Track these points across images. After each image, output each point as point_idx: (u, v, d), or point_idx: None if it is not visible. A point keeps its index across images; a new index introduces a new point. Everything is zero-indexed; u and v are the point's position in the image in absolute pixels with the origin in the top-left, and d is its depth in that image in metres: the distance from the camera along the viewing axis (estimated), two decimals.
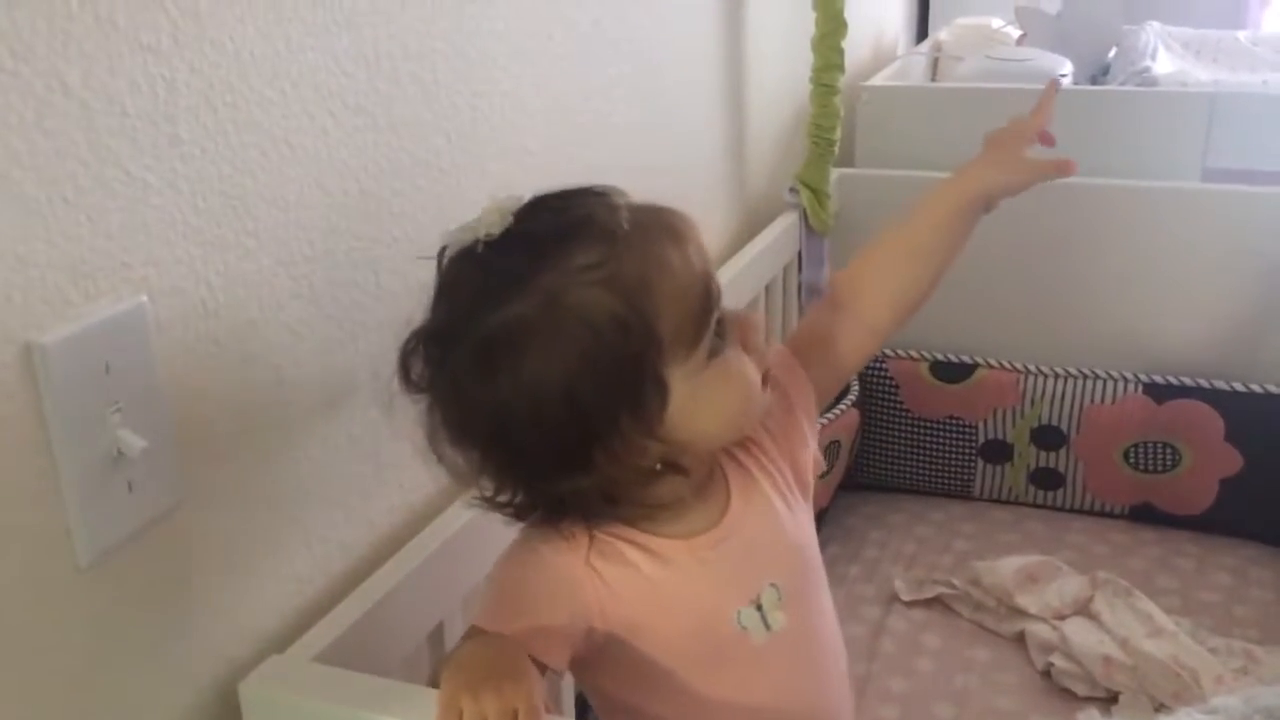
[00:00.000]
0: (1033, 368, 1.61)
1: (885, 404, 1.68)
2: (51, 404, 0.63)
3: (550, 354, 0.67)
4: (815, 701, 0.83)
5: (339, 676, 0.76)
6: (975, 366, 1.64)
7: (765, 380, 0.76)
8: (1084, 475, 1.61)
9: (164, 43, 0.67)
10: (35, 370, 0.62)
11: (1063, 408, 1.60)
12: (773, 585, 0.78)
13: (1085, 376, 1.59)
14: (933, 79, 2.44)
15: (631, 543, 0.75)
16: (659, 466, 0.73)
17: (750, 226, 1.63)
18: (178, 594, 0.73)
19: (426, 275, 0.73)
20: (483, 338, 0.68)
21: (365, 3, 0.83)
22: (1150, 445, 1.56)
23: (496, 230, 0.69)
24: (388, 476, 0.92)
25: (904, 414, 1.67)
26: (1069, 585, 1.39)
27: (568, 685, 1.04)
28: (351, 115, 0.83)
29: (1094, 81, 2.26)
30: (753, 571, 0.78)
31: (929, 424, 1.66)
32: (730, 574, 0.77)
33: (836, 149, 1.63)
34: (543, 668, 0.70)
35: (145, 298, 0.68)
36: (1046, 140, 0.92)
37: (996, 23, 2.54)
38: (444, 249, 0.72)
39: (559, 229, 0.69)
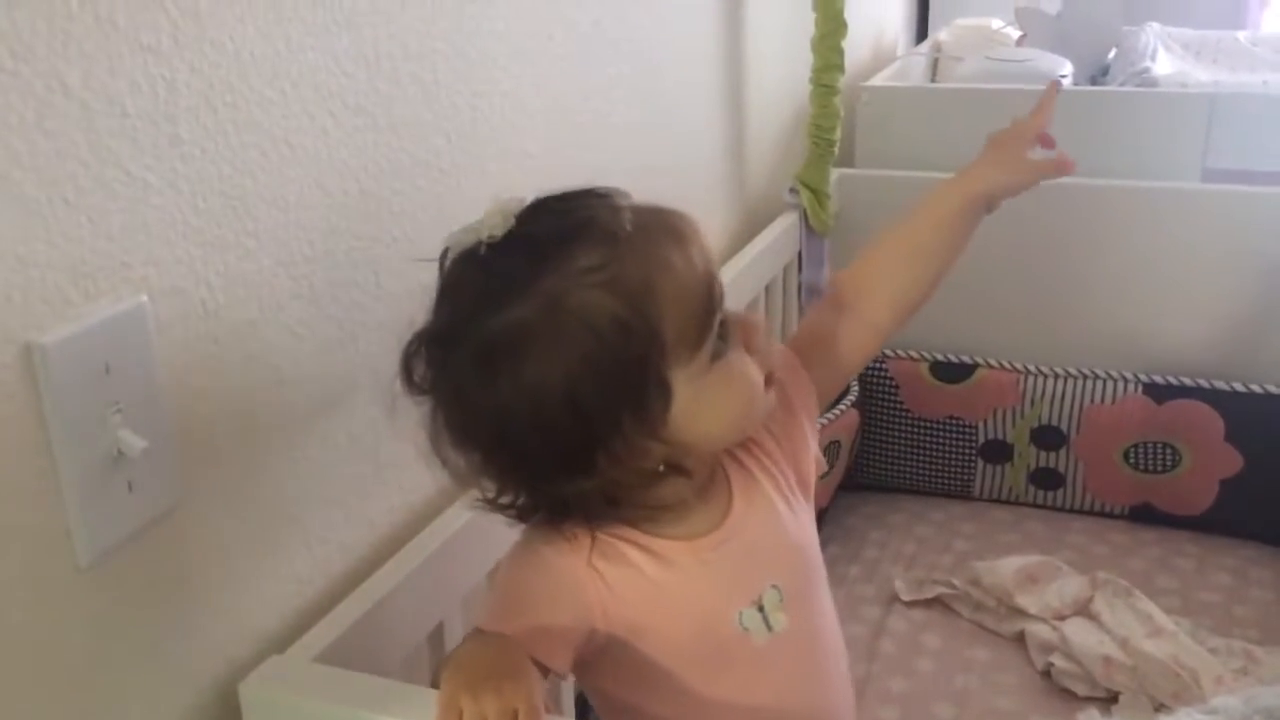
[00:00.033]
0: (1033, 368, 1.61)
1: (885, 404, 1.68)
2: (51, 404, 0.63)
3: (552, 357, 0.67)
4: (817, 702, 0.83)
5: (339, 677, 0.76)
6: (975, 366, 1.64)
7: (768, 382, 0.76)
8: (1084, 475, 1.61)
9: (164, 43, 0.67)
10: (35, 370, 0.62)
11: (1063, 408, 1.60)
12: (774, 586, 0.78)
13: (1085, 377, 1.59)
14: (933, 79, 2.44)
15: (634, 544, 0.75)
16: (662, 468, 0.73)
17: (750, 227, 1.63)
18: (178, 594, 0.73)
19: (427, 276, 0.73)
20: (484, 340, 0.68)
21: (365, 3, 0.83)
22: (1150, 445, 1.56)
23: (499, 232, 0.69)
24: (387, 477, 0.92)
25: (904, 414, 1.67)
26: (1069, 585, 1.39)
27: (567, 685, 1.04)
28: (351, 115, 0.83)
29: (1094, 82, 2.26)
30: (754, 572, 0.78)
31: (929, 424, 1.66)
32: (732, 575, 0.77)
33: (836, 149, 1.64)
34: (545, 670, 0.70)
35: (145, 298, 0.68)
36: (1047, 143, 0.93)
37: (996, 23, 2.54)
38: (446, 250, 0.72)
39: (561, 231, 0.69)
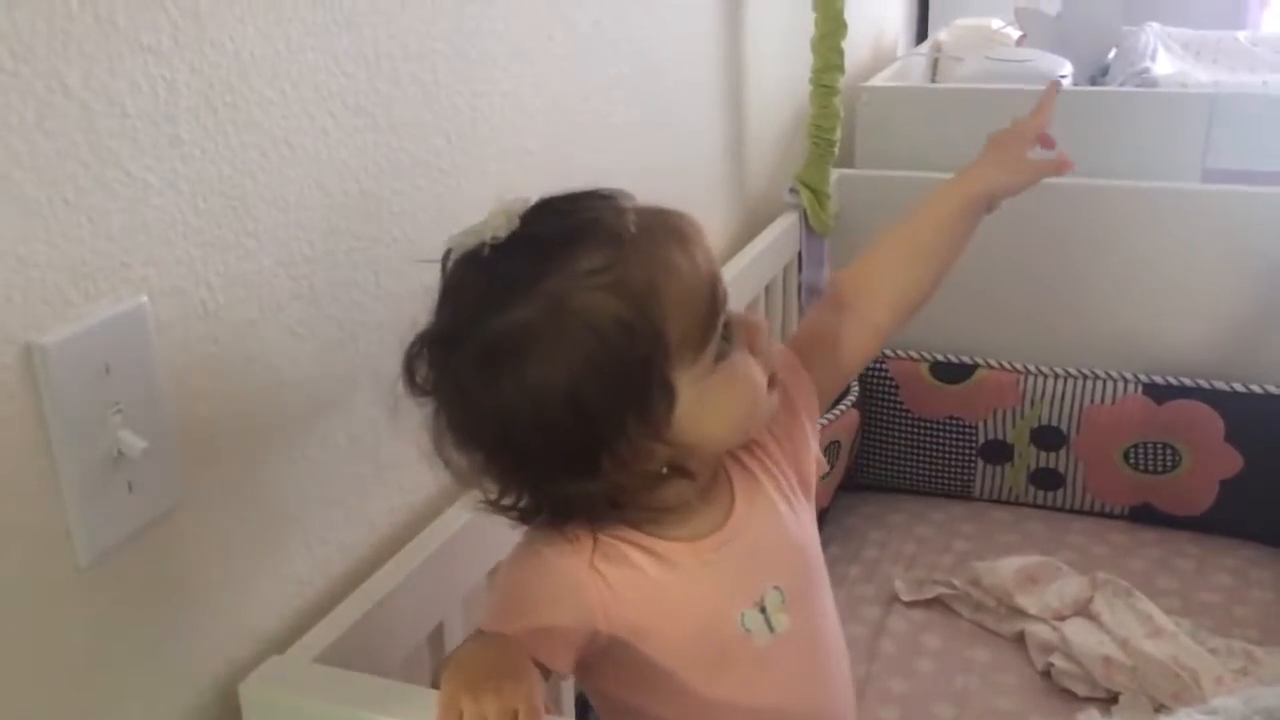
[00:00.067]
0: (1033, 368, 1.61)
1: (885, 404, 1.68)
2: (51, 404, 0.63)
3: (556, 358, 0.67)
4: (818, 703, 0.83)
5: (339, 677, 0.76)
6: (975, 367, 1.64)
7: (771, 383, 0.76)
8: (1084, 476, 1.61)
9: (164, 43, 0.67)
10: (35, 371, 0.62)
11: (1063, 408, 1.60)
12: (776, 587, 0.78)
13: (1085, 377, 1.59)
14: (933, 80, 2.44)
15: (636, 545, 0.75)
16: (665, 470, 0.73)
17: (750, 227, 1.63)
18: (178, 594, 0.74)
19: (427, 276, 0.73)
20: (488, 342, 0.68)
21: (365, 3, 0.83)
22: (1150, 446, 1.56)
23: (502, 233, 0.69)
24: (387, 477, 0.92)
25: (904, 414, 1.67)
26: (1069, 586, 1.39)
27: (567, 685, 1.04)
28: (351, 116, 0.83)
29: (1094, 82, 2.26)
30: (756, 574, 0.78)
31: (929, 424, 1.66)
32: (734, 576, 0.77)
33: (836, 150, 1.64)
34: (546, 671, 0.70)
35: (145, 298, 0.68)
36: (1046, 144, 0.93)
37: (996, 23, 2.54)
38: (448, 251, 0.72)
39: (565, 232, 0.69)
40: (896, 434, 1.68)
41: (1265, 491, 1.52)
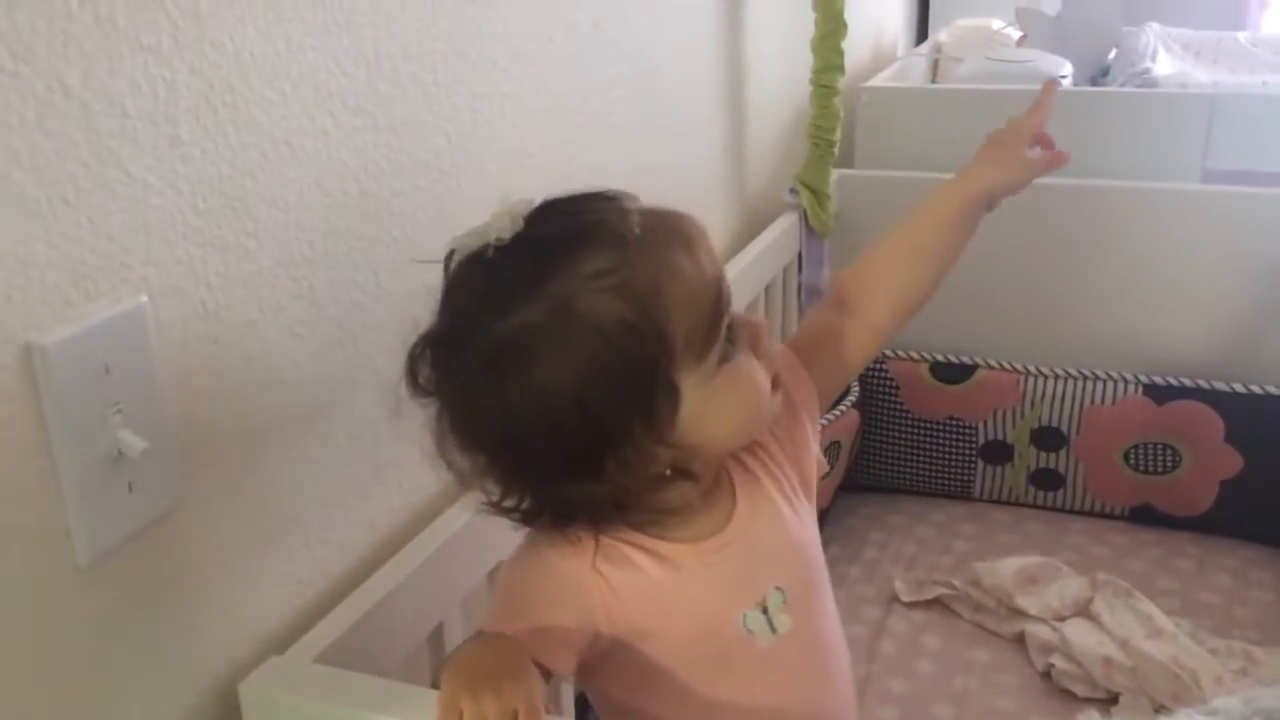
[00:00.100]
0: (1033, 368, 1.61)
1: (885, 405, 1.68)
2: (51, 405, 0.63)
3: (560, 361, 0.67)
4: (820, 703, 0.83)
5: (339, 677, 0.76)
6: (975, 367, 1.64)
7: (774, 385, 0.76)
8: (1084, 476, 1.61)
9: (164, 43, 0.67)
10: (35, 371, 0.62)
11: (1063, 409, 1.60)
12: (778, 588, 0.78)
13: (1085, 377, 1.59)
14: (933, 80, 2.44)
15: (638, 547, 0.75)
16: (668, 472, 0.73)
17: (750, 227, 1.63)
18: (178, 594, 0.74)
19: (428, 277, 0.73)
20: (492, 344, 0.67)
21: (365, 3, 0.83)
22: (1150, 446, 1.56)
23: (506, 235, 0.69)
24: (387, 477, 0.92)
25: (904, 415, 1.67)
26: (1069, 586, 1.39)
27: (567, 685, 1.04)
28: (351, 116, 0.83)
29: (1094, 83, 2.26)
30: (758, 575, 0.78)
31: (929, 425, 1.66)
32: (736, 577, 0.77)
33: (836, 150, 1.64)
34: (548, 673, 0.70)
35: (145, 298, 0.68)
36: (1044, 143, 0.93)
37: (996, 24, 2.54)
38: (451, 252, 0.72)
39: (569, 234, 0.69)
40: (896, 434, 1.68)
41: (1265, 492, 1.52)
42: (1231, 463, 1.53)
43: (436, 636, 0.91)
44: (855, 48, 1.92)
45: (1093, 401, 1.58)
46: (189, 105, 0.70)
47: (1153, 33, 2.28)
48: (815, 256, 1.67)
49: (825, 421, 1.49)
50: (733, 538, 0.77)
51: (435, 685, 0.66)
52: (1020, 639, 1.36)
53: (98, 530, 0.66)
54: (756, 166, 1.68)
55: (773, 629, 0.77)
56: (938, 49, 2.50)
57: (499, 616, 0.74)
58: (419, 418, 0.71)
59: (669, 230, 0.71)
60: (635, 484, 0.71)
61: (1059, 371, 1.60)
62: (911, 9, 2.83)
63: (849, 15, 1.57)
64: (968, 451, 1.66)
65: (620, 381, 0.68)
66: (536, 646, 0.69)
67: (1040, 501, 1.65)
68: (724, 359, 0.72)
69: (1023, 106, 0.95)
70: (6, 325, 0.61)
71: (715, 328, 0.71)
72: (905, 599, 1.44)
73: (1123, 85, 2.13)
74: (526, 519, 0.75)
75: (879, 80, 2.05)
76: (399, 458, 0.92)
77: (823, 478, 0.88)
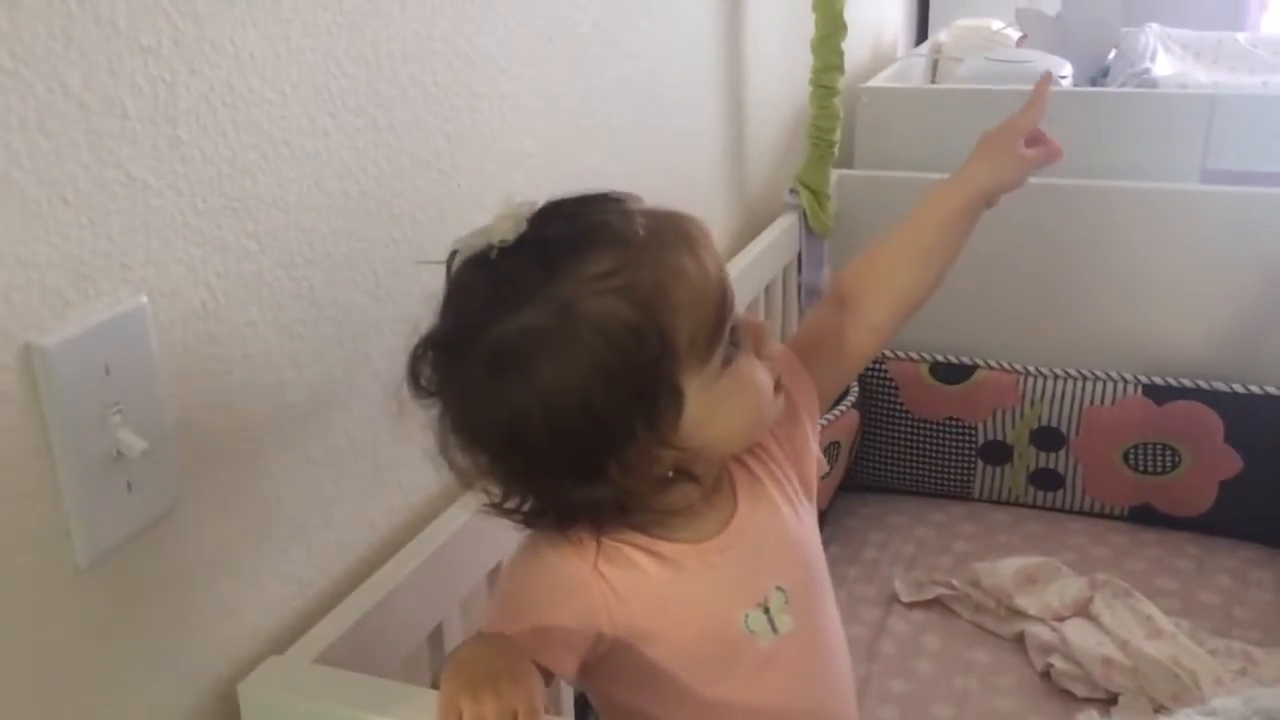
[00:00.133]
0: (1032, 369, 1.61)
1: (885, 405, 1.68)
2: (51, 405, 0.63)
3: (564, 363, 0.67)
4: (821, 703, 0.83)
5: (339, 677, 0.76)
6: (975, 368, 1.64)
7: (777, 387, 0.76)
8: (1084, 476, 1.61)
9: (164, 44, 0.67)
10: (35, 371, 0.62)
11: (1062, 409, 1.60)
12: (779, 588, 0.78)
13: (1085, 378, 1.59)
14: (932, 80, 2.44)
15: (639, 548, 0.74)
16: (671, 474, 0.72)
17: (750, 228, 1.63)
18: (178, 594, 0.74)
19: (428, 277, 0.73)
20: (496, 346, 0.67)
21: (365, 4, 0.83)
22: (1150, 447, 1.56)
23: (510, 236, 0.68)
24: (387, 477, 0.92)
25: (904, 415, 1.67)
26: (1069, 587, 1.39)
27: (567, 686, 1.04)
28: (351, 117, 0.83)
29: (1094, 83, 2.26)
30: (760, 575, 0.78)
31: (929, 425, 1.66)
32: (738, 578, 0.77)
33: (836, 150, 1.64)
34: (549, 674, 0.70)
35: (145, 299, 0.68)
36: (1040, 140, 0.93)
37: (996, 24, 2.54)
38: (453, 254, 0.71)
39: (573, 236, 0.69)
40: (896, 435, 1.68)
41: (1265, 492, 1.52)
42: (1231, 463, 1.53)
43: (436, 636, 0.91)
44: (855, 48, 1.92)
45: (1092, 402, 1.58)
46: (189, 106, 0.70)
47: (1152, 33, 2.28)
48: (815, 257, 1.67)
49: (825, 421, 1.49)
50: (734, 538, 0.77)
51: (436, 686, 0.66)
52: (1020, 639, 1.36)
53: (97, 530, 0.66)
54: (756, 167, 1.68)
55: (774, 629, 0.77)
56: (937, 49, 2.50)
57: (499, 617, 0.74)
58: (420, 418, 0.71)
59: (673, 232, 0.71)
60: (638, 486, 0.71)
61: (1059, 372, 1.60)
62: (911, 9, 2.83)
63: (849, 16, 1.58)
64: (967, 452, 1.66)
65: (624, 384, 0.67)
66: (537, 647, 0.69)
67: (1040, 502, 1.65)
68: (727, 361, 0.72)
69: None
70: (6, 325, 0.61)
71: (719, 330, 0.71)
72: (905, 599, 1.44)
73: (1122, 86, 2.13)
74: (528, 520, 0.75)
75: (879, 80, 2.05)
76: (399, 458, 0.92)
77: (823, 477, 0.88)
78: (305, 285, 0.81)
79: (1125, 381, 1.57)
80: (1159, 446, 1.56)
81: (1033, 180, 0.92)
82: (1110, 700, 1.26)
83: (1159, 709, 1.22)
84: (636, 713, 0.79)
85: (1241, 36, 2.40)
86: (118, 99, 0.65)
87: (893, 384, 1.67)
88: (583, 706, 1.06)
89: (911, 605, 1.44)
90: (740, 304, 1.40)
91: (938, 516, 1.64)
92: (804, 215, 1.63)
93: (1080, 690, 1.28)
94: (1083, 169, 1.61)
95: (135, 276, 0.68)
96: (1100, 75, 2.28)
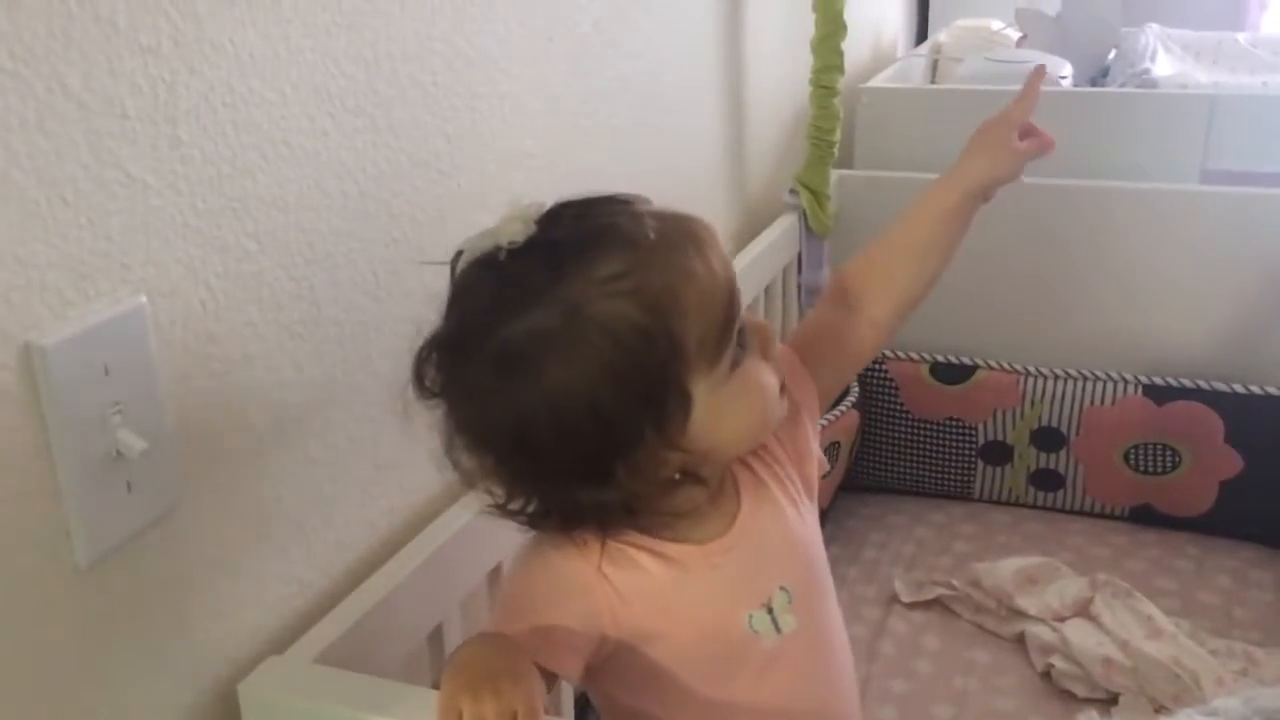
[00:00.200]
0: (1033, 369, 1.61)
1: (885, 405, 1.68)
2: (51, 405, 0.63)
3: (572, 366, 0.67)
4: (824, 703, 0.83)
5: (339, 677, 0.76)
6: (975, 368, 1.64)
7: (782, 388, 0.76)
8: (1084, 477, 1.61)
9: (164, 44, 0.67)
10: (35, 371, 0.62)
11: (1063, 409, 1.60)
12: (783, 588, 0.78)
13: (1085, 378, 1.59)
14: (932, 81, 2.44)
15: (643, 549, 0.74)
16: (678, 476, 0.72)
17: (750, 228, 1.63)
18: (177, 594, 0.74)
19: (428, 277, 0.73)
20: (503, 348, 0.67)
21: (365, 4, 0.83)
22: (1150, 447, 1.56)
23: (520, 238, 0.68)
24: (387, 477, 0.92)
25: (904, 415, 1.67)
26: (1069, 587, 1.39)
27: (567, 686, 1.04)
28: (351, 117, 0.83)
29: (1094, 83, 2.26)
30: (763, 575, 0.78)
31: (929, 425, 1.66)
32: (741, 578, 0.77)
33: (836, 150, 1.64)
34: (552, 676, 0.70)
35: (145, 299, 0.68)
36: (1032, 133, 0.93)
37: (996, 24, 2.54)
38: (458, 254, 0.71)
39: (582, 238, 0.68)
40: (896, 435, 1.68)
41: (1265, 493, 1.52)
42: (1231, 463, 1.53)
43: (436, 636, 0.91)
44: (855, 48, 1.92)
45: (1093, 402, 1.58)
46: (189, 106, 0.70)
47: (1152, 33, 2.28)
48: (815, 257, 1.67)
49: (825, 422, 1.49)
50: (738, 539, 0.77)
51: (437, 686, 0.66)
52: (1020, 639, 1.36)
53: (97, 530, 0.66)
54: (756, 167, 1.68)
55: (778, 629, 0.77)
56: (937, 49, 2.50)
57: (501, 618, 0.74)
58: (425, 419, 0.71)
59: (683, 234, 0.70)
60: (644, 488, 0.71)
61: (1059, 372, 1.60)
62: (911, 9, 2.84)
63: (849, 16, 1.58)
64: (967, 452, 1.66)
65: (632, 386, 0.67)
66: (538, 647, 0.69)
67: (1040, 502, 1.65)
68: (735, 364, 0.72)
69: None
70: (6, 325, 0.61)
71: (727, 332, 0.71)
72: (905, 599, 1.44)
73: (1122, 86, 2.13)
74: (533, 521, 0.74)
75: (879, 81, 2.05)
76: (399, 458, 0.92)
77: (823, 477, 0.89)
78: (305, 285, 0.81)
79: (1125, 382, 1.57)
80: (1159, 447, 1.56)
81: (1033, 180, 0.93)
82: (1111, 700, 1.26)
83: (1159, 709, 1.22)
84: (639, 714, 0.79)
85: (1241, 36, 2.40)
86: (117, 99, 0.65)
87: (893, 384, 1.67)
88: (583, 706, 1.06)
89: (911, 605, 1.44)
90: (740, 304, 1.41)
91: (938, 517, 1.64)
92: (804, 215, 1.63)
93: (1080, 690, 1.28)
94: (1083, 169, 1.61)
95: (135, 276, 0.68)
96: (1100, 75, 2.28)
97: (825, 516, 1.59)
